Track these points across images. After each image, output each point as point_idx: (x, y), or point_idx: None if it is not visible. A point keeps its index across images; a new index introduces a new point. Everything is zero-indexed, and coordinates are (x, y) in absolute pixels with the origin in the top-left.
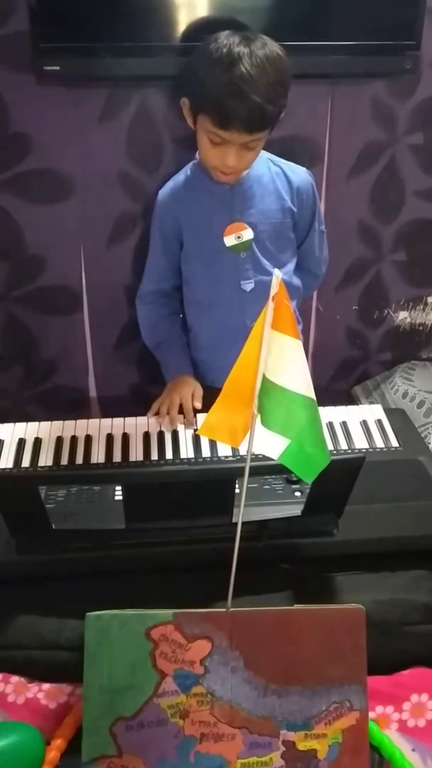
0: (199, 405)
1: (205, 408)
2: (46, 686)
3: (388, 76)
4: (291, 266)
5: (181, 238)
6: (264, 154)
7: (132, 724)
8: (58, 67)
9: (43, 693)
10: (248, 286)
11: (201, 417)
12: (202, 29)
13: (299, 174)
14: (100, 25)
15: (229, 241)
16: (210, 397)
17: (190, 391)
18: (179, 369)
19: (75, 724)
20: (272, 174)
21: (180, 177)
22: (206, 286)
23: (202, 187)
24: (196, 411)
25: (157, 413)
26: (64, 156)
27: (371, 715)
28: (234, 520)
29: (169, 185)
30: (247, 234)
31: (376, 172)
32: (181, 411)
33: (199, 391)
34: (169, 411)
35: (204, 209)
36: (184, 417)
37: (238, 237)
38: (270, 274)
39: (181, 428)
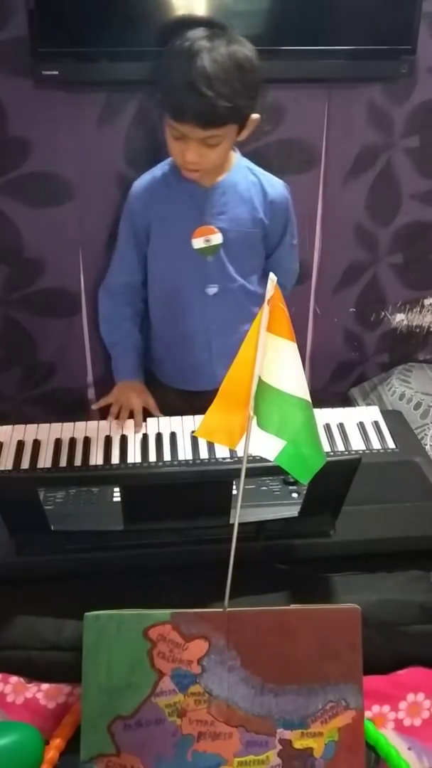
0: (159, 414)
1: (160, 406)
2: (45, 686)
3: (384, 80)
4: (256, 276)
5: (149, 232)
6: (243, 162)
7: (130, 723)
8: (56, 72)
9: (42, 693)
10: (212, 290)
11: (195, 419)
12: None
13: (276, 187)
14: (99, 30)
15: (198, 243)
16: (165, 396)
17: (141, 401)
18: (131, 373)
19: (74, 723)
20: (248, 183)
21: (157, 172)
22: (171, 285)
23: (177, 185)
24: (152, 415)
25: (103, 410)
26: (62, 159)
27: (368, 714)
28: (231, 521)
29: (146, 178)
30: (216, 238)
31: (373, 175)
32: (130, 415)
33: (151, 401)
34: (120, 415)
35: (176, 208)
36: (135, 424)
37: (207, 240)
38: (234, 281)
39: (179, 430)
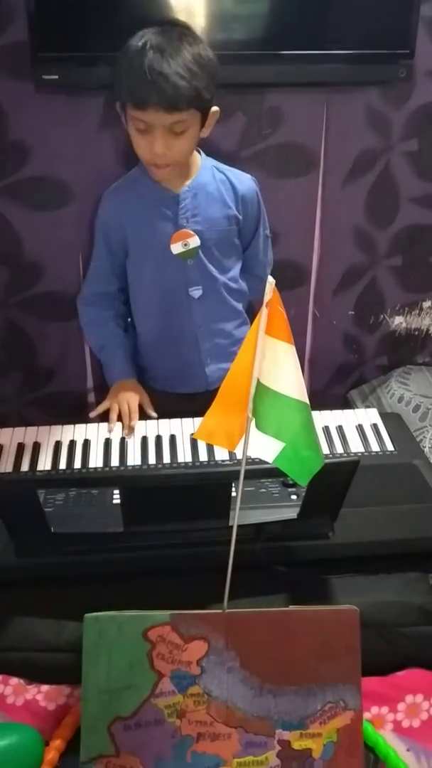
0: (153, 414)
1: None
2: (45, 688)
3: (382, 84)
4: (236, 271)
5: (125, 243)
6: (209, 161)
7: (130, 724)
8: (56, 76)
9: (42, 694)
10: (196, 292)
11: (195, 422)
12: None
13: (244, 182)
14: (98, 34)
15: (176, 248)
16: (159, 401)
17: (137, 398)
18: (125, 373)
19: (74, 724)
20: (217, 182)
21: (125, 182)
22: (153, 292)
23: (147, 193)
24: (150, 417)
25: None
26: (62, 163)
27: (367, 715)
28: (230, 523)
29: (114, 189)
30: (194, 242)
31: (372, 178)
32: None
33: (147, 399)
34: (122, 419)
35: (149, 216)
36: (130, 420)
37: (185, 245)
38: (216, 280)
39: (178, 432)
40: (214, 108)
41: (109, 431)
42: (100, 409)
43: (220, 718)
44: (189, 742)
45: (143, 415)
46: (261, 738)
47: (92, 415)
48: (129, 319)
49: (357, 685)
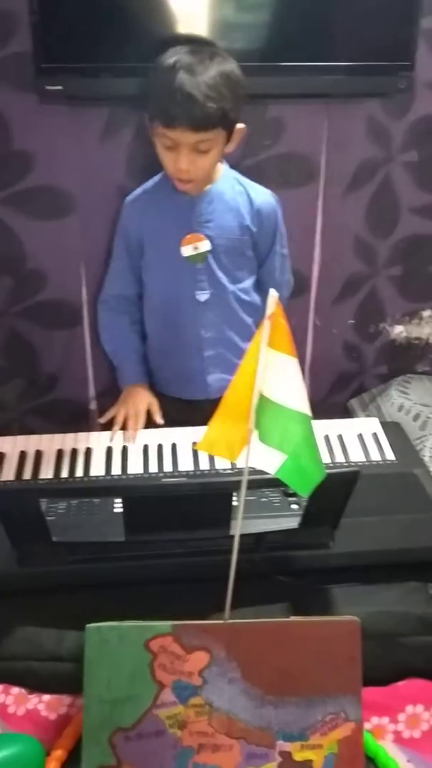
0: (160, 420)
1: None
2: (46, 697)
3: (383, 95)
4: (248, 283)
5: (142, 245)
6: (231, 173)
7: (131, 735)
8: (60, 87)
9: (44, 704)
10: (203, 296)
11: (196, 430)
12: None
13: (263, 196)
14: (102, 46)
15: (186, 251)
16: (162, 405)
17: (145, 403)
18: (135, 378)
19: (75, 734)
20: (235, 192)
21: (148, 186)
22: (163, 294)
23: (165, 197)
24: (158, 425)
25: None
26: (65, 173)
27: (367, 726)
28: (232, 533)
29: (136, 193)
30: (204, 245)
31: (372, 189)
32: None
33: (156, 404)
34: (128, 425)
35: (165, 219)
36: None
37: (195, 248)
38: (225, 288)
39: (179, 441)
40: (240, 125)
41: (111, 438)
42: (109, 414)
43: (222, 730)
44: (190, 754)
45: (150, 421)
46: (262, 749)
47: (102, 420)
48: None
49: (358, 696)
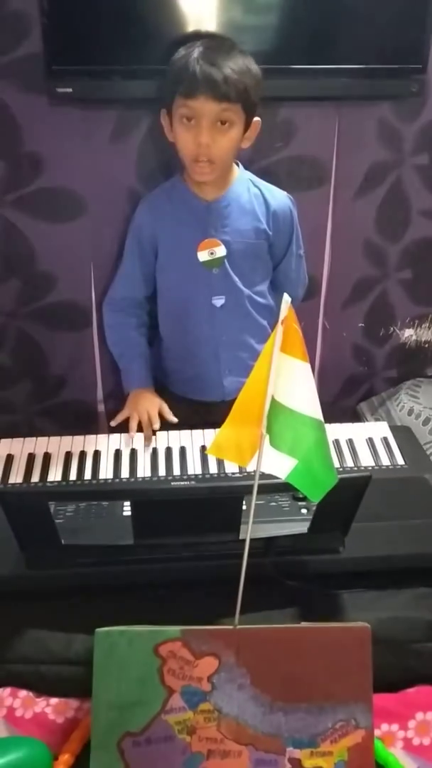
0: (173, 419)
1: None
2: (54, 701)
3: (394, 98)
4: (264, 286)
5: (155, 248)
6: (246, 174)
7: (139, 740)
8: (70, 89)
9: (51, 708)
10: (219, 301)
11: (205, 433)
12: None
13: (278, 198)
14: (112, 48)
15: (203, 256)
16: (176, 407)
17: (156, 406)
18: (141, 382)
19: (83, 739)
20: (251, 195)
21: (162, 189)
22: (179, 298)
23: (180, 201)
24: (171, 424)
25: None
26: (75, 175)
27: (377, 732)
28: (241, 537)
29: (151, 196)
30: (220, 251)
31: (382, 192)
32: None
33: (165, 406)
34: (144, 428)
35: (180, 223)
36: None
37: (211, 253)
38: (241, 292)
39: (188, 444)
40: (257, 118)
41: (131, 439)
42: (120, 418)
43: (231, 736)
44: (199, 759)
45: (163, 422)
46: (271, 756)
47: (113, 423)
48: (149, 326)
49: (368, 703)
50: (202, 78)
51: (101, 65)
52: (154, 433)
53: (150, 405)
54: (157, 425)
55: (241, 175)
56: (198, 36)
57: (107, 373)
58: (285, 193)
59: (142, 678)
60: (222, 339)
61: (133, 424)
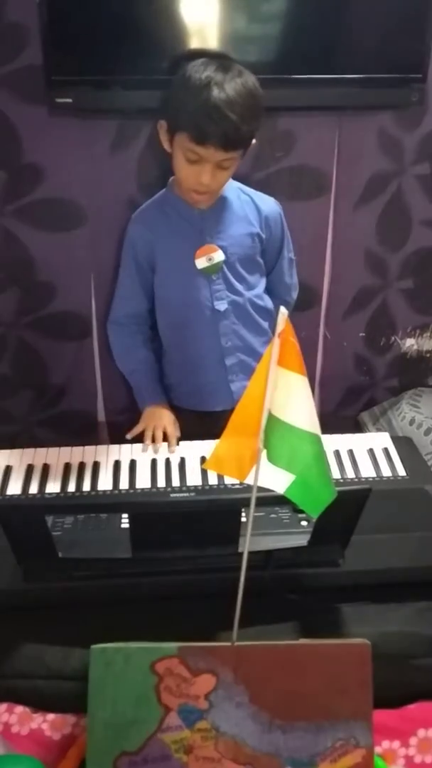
0: (178, 434)
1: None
2: (50, 716)
3: (395, 108)
4: (261, 289)
5: (153, 261)
6: (234, 183)
7: (136, 759)
8: (70, 100)
9: (48, 723)
10: (222, 306)
11: (204, 445)
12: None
13: (268, 203)
14: (112, 58)
15: (201, 263)
16: (182, 420)
17: (173, 424)
18: (155, 398)
19: (78, 756)
20: (242, 202)
21: (153, 203)
22: (181, 307)
23: (173, 211)
24: (178, 440)
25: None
26: (75, 185)
27: (378, 749)
28: (240, 550)
29: (143, 209)
30: (218, 256)
31: (383, 201)
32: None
33: (177, 422)
34: (155, 440)
35: (176, 233)
36: (169, 445)
37: (210, 259)
38: (242, 295)
39: (188, 456)
40: (253, 140)
41: (147, 449)
42: (136, 431)
43: (229, 755)
44: None
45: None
46: None
47: (129, 436)
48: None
49: (368, 721)
50: (214, 129)
51: (101, 75)
52: (177, 442)
53: (168, 423)
54: (175, 442)
55: (229, 183)
56: (202, 54)
57: (107, 382)
58: (273, 198)
59: (138, 696)
60: (227, 345)
61: (149, 434)
